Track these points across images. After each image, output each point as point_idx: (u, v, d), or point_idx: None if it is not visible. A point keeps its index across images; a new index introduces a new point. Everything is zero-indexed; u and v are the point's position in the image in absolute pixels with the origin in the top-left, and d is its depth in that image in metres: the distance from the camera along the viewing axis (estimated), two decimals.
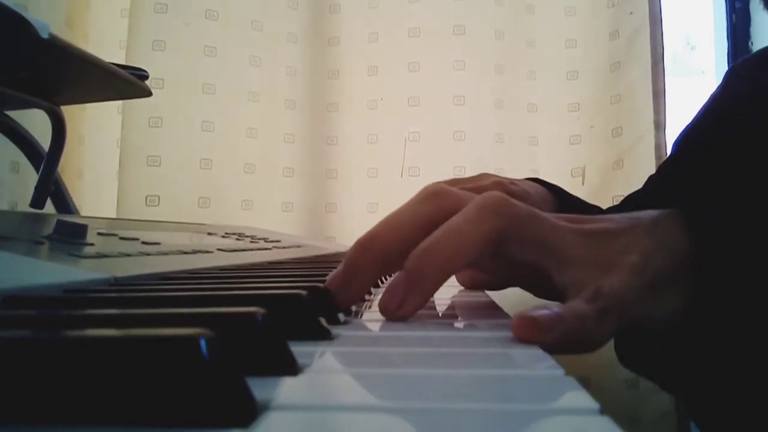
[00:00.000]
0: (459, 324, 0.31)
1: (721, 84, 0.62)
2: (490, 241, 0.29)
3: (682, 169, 0.56)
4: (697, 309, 0.28)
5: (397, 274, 0.29)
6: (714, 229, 0.29)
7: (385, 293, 0.29)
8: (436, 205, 0.30)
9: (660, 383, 0.38)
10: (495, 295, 0.42)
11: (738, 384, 0.29)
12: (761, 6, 0.55)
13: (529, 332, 0.24)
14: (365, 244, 0.31)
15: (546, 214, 0.30)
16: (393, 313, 0.29)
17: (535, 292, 0.37)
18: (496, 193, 0.30)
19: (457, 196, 0.31)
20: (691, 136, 0.60)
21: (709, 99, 0.62)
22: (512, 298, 0.39)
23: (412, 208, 0.31)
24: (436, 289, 0.29)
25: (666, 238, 0.29)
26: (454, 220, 0.29)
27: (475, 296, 0.42)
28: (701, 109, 0.61)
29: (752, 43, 1.40)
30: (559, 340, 0.25)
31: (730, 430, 0.28)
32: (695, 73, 1.63)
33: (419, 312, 0.34)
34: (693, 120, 0.61)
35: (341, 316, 0.29)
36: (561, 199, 0.58)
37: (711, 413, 0.30)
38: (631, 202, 0.64)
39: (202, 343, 0.14)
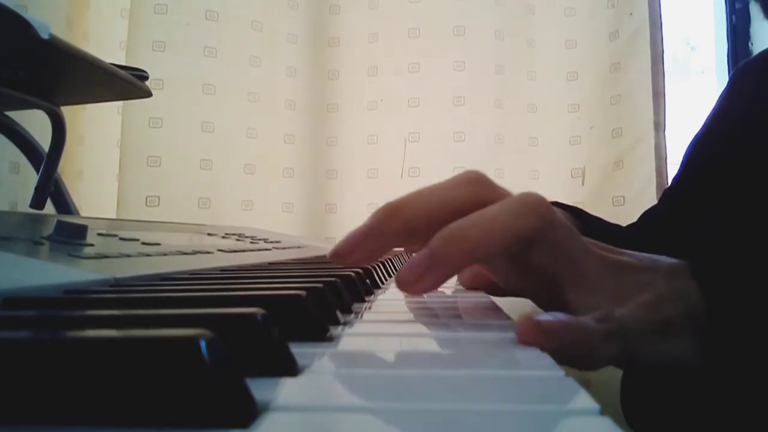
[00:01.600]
0: (460, 325, 0.31)
1: (727, 86, 0.62)
2: (521, 239, 0.28)
3: (695, 186, 0.57)
4: (705, 359, 0.28)
5: (422, 250, 0.29)
6: (725, 290, 0.29)
7: (405, 266, 0.28)
8: (474, 192, 0.30)
9: None
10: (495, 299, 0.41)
11: None
12: (762, 17, 0.55)
13: (533, 336, 0.24)
14: (394, 209, 0.30)
15: (579, 234, 0.30)
16: (409, 287, 0.28)
17: (540, 305, 0.37)
18: (537, 194, 0.29)
19: (498, 189, 0.31)
20: (702, 143, 0.60)
21: (717, 102, 0.62)
22: (507, 302, 0.39)
23: (449, 189, 0.31)
24: (457, 272, 0.29)
25: (681, 286, 0.30)
26: (492, 209, 0.29)
27: (477, 297, 0.42)
28: (710, 113, 0.61)
29: (752, 44, 1.40)
30: (561, 350, 0.25)
31: None
32: (695, 73, 1.63)
33: (419, 313, 0.34)
34: (703, 125, 0.61)
35: (341, 317, 0.29)
36: (582, 220, 0.58)
37: None
38: (648, 218, 0.65)
39: (202, 344, 0.14)
